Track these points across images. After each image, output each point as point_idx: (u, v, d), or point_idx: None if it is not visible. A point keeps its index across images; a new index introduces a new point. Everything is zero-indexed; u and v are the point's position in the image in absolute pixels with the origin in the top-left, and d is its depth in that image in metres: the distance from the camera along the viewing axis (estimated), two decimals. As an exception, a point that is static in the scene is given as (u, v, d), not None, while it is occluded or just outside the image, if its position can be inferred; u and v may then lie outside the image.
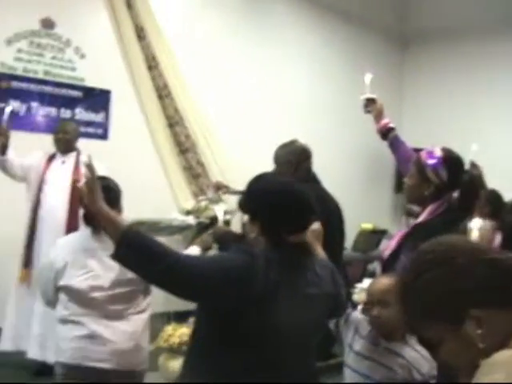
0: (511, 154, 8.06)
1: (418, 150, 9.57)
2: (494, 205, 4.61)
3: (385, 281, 2.53)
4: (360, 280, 5.43)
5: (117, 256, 1.94)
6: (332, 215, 3.67)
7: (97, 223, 2.93)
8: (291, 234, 2.05)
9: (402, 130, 9.57)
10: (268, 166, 3.89)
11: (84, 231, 3.08)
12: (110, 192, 3.01)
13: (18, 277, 4.84)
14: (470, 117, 8.83)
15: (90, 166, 2.03)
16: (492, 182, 5.22)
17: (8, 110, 4.76)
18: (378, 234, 6.68)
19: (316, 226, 2.60)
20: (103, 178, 3.04)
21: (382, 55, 9.34)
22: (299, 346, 2.04)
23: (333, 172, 8.11)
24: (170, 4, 7.06)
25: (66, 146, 5.06)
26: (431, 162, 2.80)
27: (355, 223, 6.80)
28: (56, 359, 3.04)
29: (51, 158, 5.05)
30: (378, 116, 3.62)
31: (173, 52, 6.87)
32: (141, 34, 6.70)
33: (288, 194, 2.08)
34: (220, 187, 6.09)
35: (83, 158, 4.86)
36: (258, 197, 2.12)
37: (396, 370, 2.46)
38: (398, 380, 2.45)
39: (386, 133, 3.55)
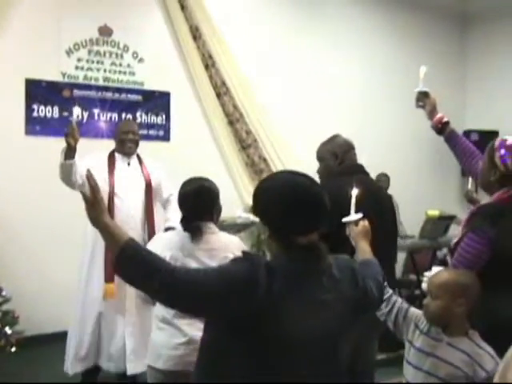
0: None
1: (482, 132, 9.31)
2: None
3: (444, 275, 2.55)
4: (429, 268, 5.36)
5: (116, 271, 1.94)
6: (384, 209, 3.56)
7: (195, 228, 2.99)
8: (299, 235, 1.93)
9: (466, 111, 9.47)
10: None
11: (182, 232, 3.04)
12: (208, 194, 3.08)
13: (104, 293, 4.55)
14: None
15: (90, 178, 1.97)
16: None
17: (76, 111, 4.46)
18: (445, 220, 6.52)
19: (364, 222, 2.59)
20: (202, 179, 3.14)
21: (442, 36, 9.13)
22: (319, 354, 1.92)
23: (396, 159, 8.03)
24: (224, 0, 7.07)
25: (135, 147, 4.81)
26: (501, 150, 2.74)
27: (421, 210, 6.70)
28: (151, 364, 3.01)
29: (111, 161, 4.72)
30: (432, 111, 3.45)
31: (229, 49, 6.90)
32: (196, 34, 6.75)
33: (291, 190, 1.94)
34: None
35: (144, 160, 4.86)
36: (262, 197, 2.02)
37: (459, 367, 2.40)
38: (461, 378, 2.39)
39: (442, 128, 3.43)
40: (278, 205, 1.94)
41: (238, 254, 2.88)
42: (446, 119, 3.42)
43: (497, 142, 2.80)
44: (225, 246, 3.00)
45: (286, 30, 7.51)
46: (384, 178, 7.47)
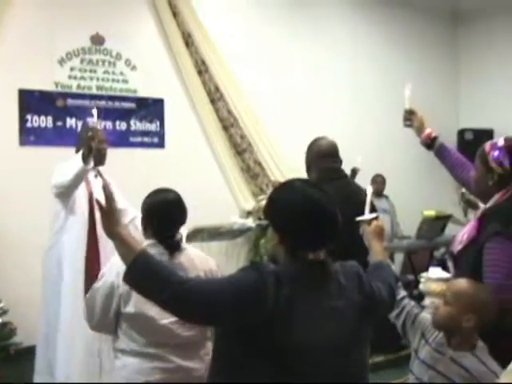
0: None
1: (477, 131, 9.27)
2: None
3: (464, 284, 2.45)
4: (426, 269, 5.36)
5: (126, 281, 1.94)
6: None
7: (176, 242, 2.82)
8: (307, 251, 1.94)
9: (460, 111, 9.48)
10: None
11: (154, 249, 2.68)
12: (183, 205, 2.86)
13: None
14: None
15: (107, 187, 1.97)
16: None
17: (94, 112, 4.16)
18: (442, 220, 6.54)
19: (377, 222, 2.52)
20: (170, 190, 2.89)
21: (434, 35, 9.13)
22: (331, 361, 1.92)
23: (392, 160, 8.04)
24: (215, 7, 7.08)
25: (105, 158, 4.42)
26: (494, 152, 2.72)
27: (418, 210, 6.70)
28: None
29: None
30: (420, 128, 3.47)
31: (221, 54, 6.90)
32: (188, 40, 6.76)
33: (310, 208, 1.95)
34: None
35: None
36: (279, 206, 2.02)
37: (456, 383, 2.34)
38: None
39: (431, 143, 3.44)
40: (295, 220, 1.95)
41: (207, 271, 2.85)
42: (434, 134, 3.43)
43: (487, 146, 2.80)
44: (193, 265, 2.82)
45: (276, 32, 7.50)
46: (380, 179, 7.47)
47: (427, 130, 3.45)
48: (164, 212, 2.81)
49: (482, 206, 2.94)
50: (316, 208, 1.95)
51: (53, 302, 4.36)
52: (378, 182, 7.46)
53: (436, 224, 6.47)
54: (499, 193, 2.76)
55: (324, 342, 1.89)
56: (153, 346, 2.72)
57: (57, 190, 4.21)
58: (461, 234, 2.88)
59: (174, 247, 2.79)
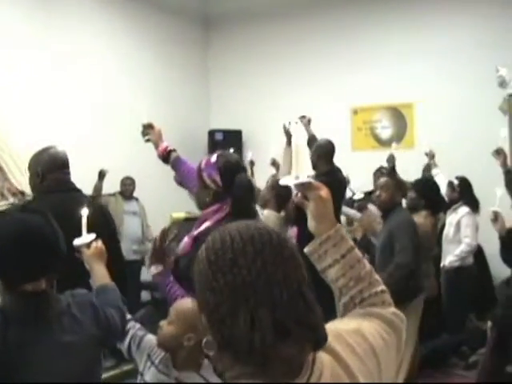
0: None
1: (226, 132, 9.52)
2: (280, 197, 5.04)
3: (188, 304, 2.35)
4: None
5: None
6: (103, 227, 3.34)
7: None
8: (24, 282, 1.83)
9: (211, 112, 9.68)
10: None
11: None
12: None
13: None
14: (275, 96, 8.99)
15: None
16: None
17: None
18: (192, 221, 6.57)
19: (97, 244, 2.43)
20: None
21: (185, 38, 9.32)
22: None
23: (141, 162, 7.91)
24: None
25: None
26: (208, 169, 2.79)
27: (169, 213, 6.68)
28: None
29: None
30: (158, 141, 3.52)
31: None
32: None
33: (14, 236, 1.83)
34: (15, 193, 5.67)
35: None
36: None
37: None
38: None
39: (167, 156, 3.46)
40: (4, 250, 1.82)
41: None
42: (170, 148, 3.47)
43: (203, 162, 2.85)
44: None
45: (24, 32, 7.06)
46: (129, 182, 7.36)
47: (164, 144, 3.46)
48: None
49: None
50: (29, 235, 1.84)
51: None
52: (128, 184, 7.35)
53: (187, 225, 6.47)
54: (210, 209, 2.78)
55: (58, 380, 1.82)
56: None
57: None
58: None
59: None
